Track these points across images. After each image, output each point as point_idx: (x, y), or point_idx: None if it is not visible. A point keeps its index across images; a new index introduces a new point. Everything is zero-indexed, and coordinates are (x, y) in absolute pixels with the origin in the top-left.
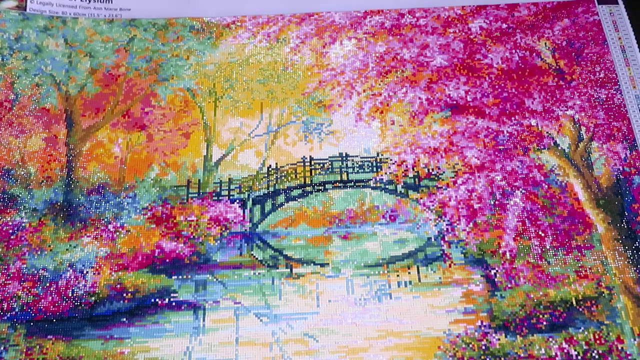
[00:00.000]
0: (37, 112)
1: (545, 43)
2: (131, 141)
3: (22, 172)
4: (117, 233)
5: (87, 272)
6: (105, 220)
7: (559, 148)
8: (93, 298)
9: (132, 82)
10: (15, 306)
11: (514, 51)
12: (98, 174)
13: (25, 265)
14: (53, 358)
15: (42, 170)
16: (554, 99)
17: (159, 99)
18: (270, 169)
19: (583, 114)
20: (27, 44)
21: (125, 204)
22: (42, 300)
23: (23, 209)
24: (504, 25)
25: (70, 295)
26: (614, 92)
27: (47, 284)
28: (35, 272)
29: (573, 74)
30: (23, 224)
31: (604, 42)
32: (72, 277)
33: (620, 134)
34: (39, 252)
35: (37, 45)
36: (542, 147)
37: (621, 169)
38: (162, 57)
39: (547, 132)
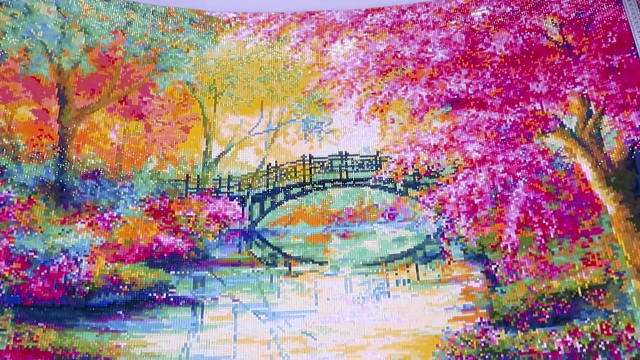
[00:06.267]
0: (26, 80)
1: (552, 19)
2: (128, 129)
3: (10, 143)
4: (113, 223)
5: (81, 260)
6: (101, 208)
7: (566, 129)
8: (88, 288)
9: (129, 68)
10: (1, 287)
11: (518, 35)
12: (93, 159)
13: (13, 245)
14: (44, 347)
15: (32, 145)
16: (561, 77)
17: (157, 90)
18: (269, 167)
19: (592, 88)
20: (17, 1)
21: (122, 193)
22: (32, 285)
23: (10, 182)
24: (508, 9)
25: (63, 282)
26: (629, 55)
27: (38, 268)
28: (25, 253)
29: (582, 47)
30: (10, 199)
31: (617, 1)
32: (65, 263)
33: (635, 100)
34: (28, 232)
35: (27, 5)
36: (546, 131)
37: (636, 139)
38: (161, 47)
39: (553, 114)
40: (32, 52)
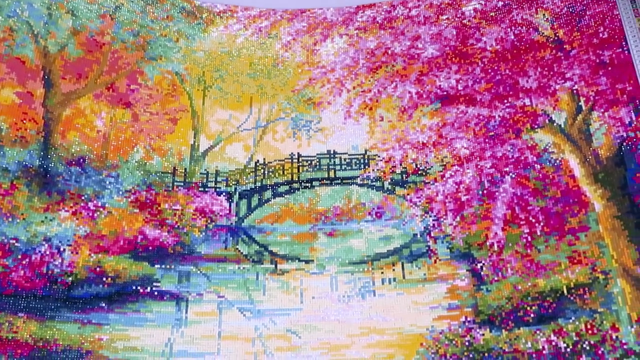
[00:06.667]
0: (11, 61)
1: (544, 14)
2: (115, 117)
3: None
4: (98, 213)
5: (64, 249)
6: (86, 196)
7: (555, 124)
8: (70, 278)
9: (117, 54)
10: None
11: (509, 30)
12: (79, 146)
13: None
14: (25, 338)
15: (16, 128)
16: (551, 73)
17: (145, 78)
18: (257, 164)
19: (583, 83)
20: None
21: (108, 183)
22: (13, 274)
23: None
24: (500, 3)
25: (45, 272)
26: (620, 50)
27: (19, 256)
28: (6, 240)
29: (573, 42)
30: None
31: None
32: (48, 252)
33: (625, 96)
34: (10, 219)
35: None
36: (535, 126)
37: (625, 135)
38: (150, 34)
39: (542, 110)
40: (18, 32)
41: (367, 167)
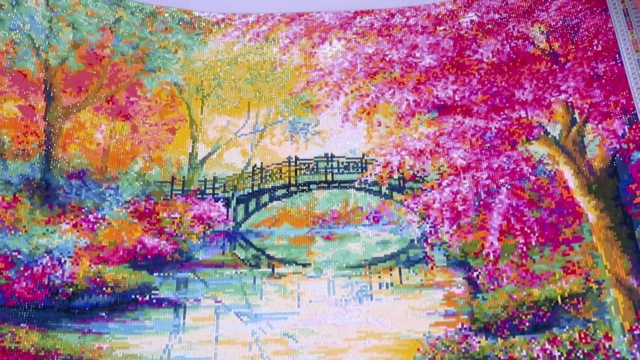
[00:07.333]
0: (13, 74)
1: (540, 27)
2: (115, 130)
3: None
4: (98, 224)
5: (65, 261)
6: (86, 209)
7: (550, 136)
8: (71, 289)
9: (117, 67)
10: None
11: (505, 42)
12: (79, 159)
13: None
14: (27, 348)
15: (18, 142)
16: (546, 85)
17: (144, 90)
18: (255, 169)
19: (577, 96)
20: None
21: (107, 195)
22: (15, 285)
23: None
24: (496, 16)
25: (46, 283)
26: (614, 63)
27: (21, 268)
28: (8, 252)
29: (568, 55)
30: None
31: (604, 10)
32: (49, 264)
33: (618, 108)
34: (12, 232)
35: None
36: (531, 138)
37: (618, 147)
38: (149, 47)
39: (537, 122)
40: (20, 45)
41: (364, 171)
